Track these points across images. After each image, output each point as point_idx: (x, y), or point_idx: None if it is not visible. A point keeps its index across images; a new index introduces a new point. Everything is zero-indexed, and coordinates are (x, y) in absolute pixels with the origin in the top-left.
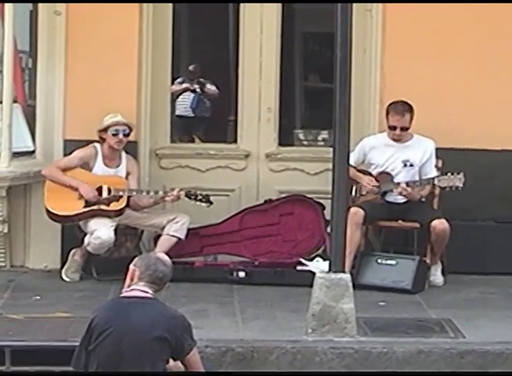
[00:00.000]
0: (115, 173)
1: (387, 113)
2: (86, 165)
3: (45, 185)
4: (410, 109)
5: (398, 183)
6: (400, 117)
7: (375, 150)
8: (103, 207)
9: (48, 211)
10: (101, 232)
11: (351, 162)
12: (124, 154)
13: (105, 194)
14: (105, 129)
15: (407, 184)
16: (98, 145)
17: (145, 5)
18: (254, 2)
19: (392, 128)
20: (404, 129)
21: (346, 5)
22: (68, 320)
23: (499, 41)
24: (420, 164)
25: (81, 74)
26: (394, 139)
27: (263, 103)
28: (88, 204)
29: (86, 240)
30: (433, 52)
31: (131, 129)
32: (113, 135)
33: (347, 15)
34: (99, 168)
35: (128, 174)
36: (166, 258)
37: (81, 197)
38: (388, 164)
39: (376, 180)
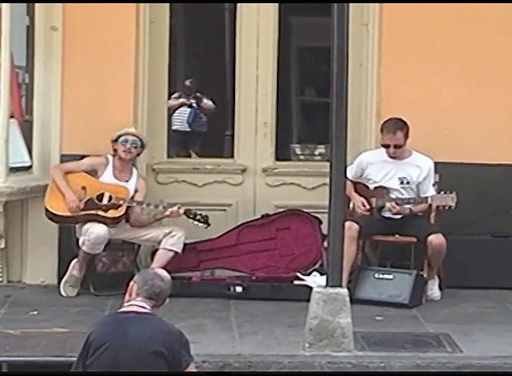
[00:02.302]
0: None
1: (381, 131)
2: (94, 172)
3: (49, 184)
4: (403, 126)
5: (394, 199)
6: (392, 136)
7: (372, 165)
8: (101, 212)
9: (46, 210)
10: (94, 228)
11: (349, 176)
12: (135, 171)
13: (105, 201)
14: (116, 139)
15: (396, 203)
16: (110, 156)
17: (141, 20)
18: (251, 2)
19: (386, 146)
20: (397, 147)
21: (342, 18)
22: (65, 335)
23: (498, 56)
24: (417, 182)
25: (78, 89)
26: (390, 157)
27: (260, 117)
28: (86, 207)
29: (81, 240)
30: (429, 66)
31: (142, 143)
32: (122, 144)
33: (343, 29)
34: (107, 177)
35: (135, 191)
36: (165, 273)
37: (80, 199)
38: (385, 181)
39: (373, 196)
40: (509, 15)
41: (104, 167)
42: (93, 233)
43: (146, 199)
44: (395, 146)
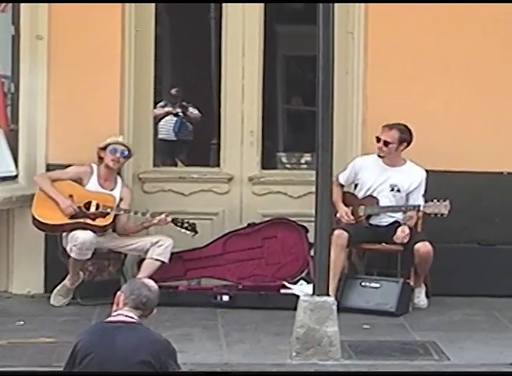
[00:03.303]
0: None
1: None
2: (79, 181)
3: (36, 192)
4: (404, 130)
5: (383, 207)
6: (387, 130)
7: (365, 169)
8: (89, 221)
9: (33, 218)
10: (80, 234)
11: (342, 181)
12: (119, 180)
13: (93, 209)
14: (104, 147)
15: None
16: (94, 165)
17: (127, 28)
18: (236, 2)
19: (376, 139)
20: (386, 144)
21: (328, 27)
22: (52, 345)
23: (486, 64)
24: (408, 191)
25: (64, 99)
26: (378, 156)
27: (246, 126)
28: (73, 216)
29: (68, 248)
30: (416, 74)
31: (130, 152)
32: (111, 153)
33: (328, 37)
34: (93, 186)
35: (121, 199)
36: (152, 283)
37: None
38: (376, 186)
39: (361, 204)
40: (497, 21)
41: (89, 175)
42: (79, 238)
43: (132, 208)
44: (385, 143)
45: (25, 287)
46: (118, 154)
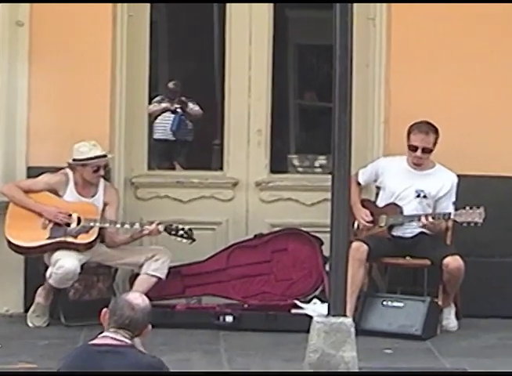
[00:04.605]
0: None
1: (409, 133)
2: (54, 192)
3: (8, 210)
4: (436, 131)
5: (407, 216)
6: (424, 137)
7: (389, 173)
8: (70, 239)
9: (8, 242)
10: (64, 260)
11: (360, 180)
12: (101, 181)
13: (73, 225)
14: (83, 163)
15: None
16: (69, 171)
17: (119, 14)
18: (242, 2)
19: (413, 148)
20: (426, 151)
21: (346, 12)
22: (32, 372)
23: None
24: (436, 198)
25: (47, 93)
26: (414, 164)
27: (252, 124)
28: (52, 235)
29: (48, 272)
30: (444, 66)
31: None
32: (94, 171)
33: (347, 24)
34: (71, 196)
35: (105, 204)
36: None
37: (45, 226)
38: (400, 192)
39: (383, 213)
40: None
41: (65, 185)
42: (62, 267)
43: (125, 215)
44: (424, 150)
45: (2, 306)
46: (102, 172)
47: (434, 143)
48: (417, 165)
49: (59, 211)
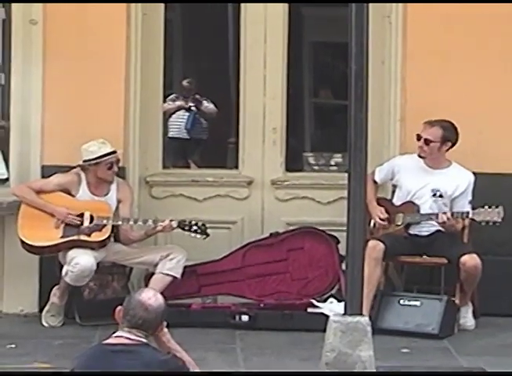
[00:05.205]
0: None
1: None
2: (67, 192)
3: (20, 211)
4: (448, 127)
5: (424, 215)
6: (428, 127)
7: (405, 171)
8: (84, 237)
9: (22, 241)
10: (80, 258)
11: (377, 178)
12: (114, 179)
13: (86, 223)
14: (97, 162)
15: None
16: (81, 172)
17: (133, 12)
18: (257, 2)
19: (417, 137)
20: (428, 142)
21: (361, 10)
22: (47, 371)
23: None
24: (452, 197)
25: (61, 92)
26: (418, 156)
27: (268, 122)
28: (65, 234)
29: (64, 270)
30: (460, 64)
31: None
32: (108, 168)
33: (362, 21)
34: (84, 195)
35: (119, 201)
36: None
37: (58, 225)
38: (415, 191)
39: (400, 212)
40: None
41: (77, 185)
42: (78, 264)
43: (140, 214)
44: (426, 141)
45: (17, 305)
46: (116, 168)
47: (443, 140)
48: (422, 158)
49: (68, 212)
